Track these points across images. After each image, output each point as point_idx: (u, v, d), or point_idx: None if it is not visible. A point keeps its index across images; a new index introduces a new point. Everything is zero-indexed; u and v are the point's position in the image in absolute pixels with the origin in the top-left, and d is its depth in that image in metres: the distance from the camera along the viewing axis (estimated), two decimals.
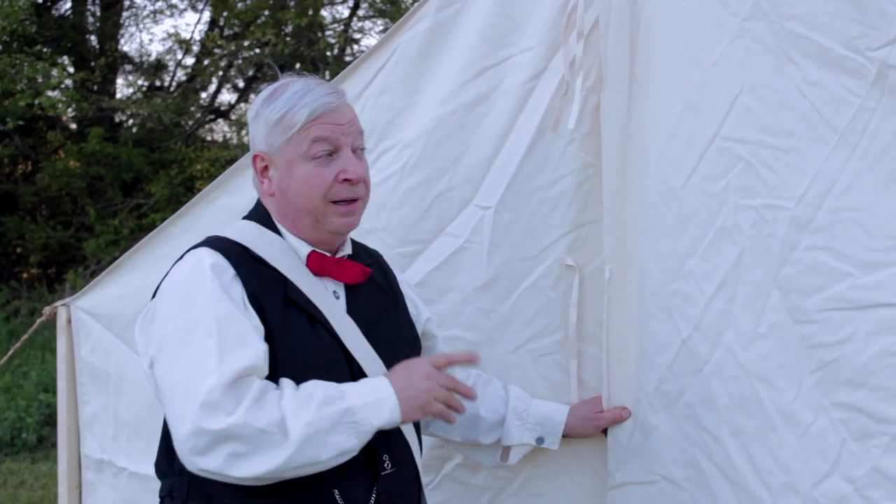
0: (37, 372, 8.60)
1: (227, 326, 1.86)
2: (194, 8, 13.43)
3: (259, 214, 2.13)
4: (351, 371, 2.01)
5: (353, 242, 2.23)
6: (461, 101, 2.55)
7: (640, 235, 2.33)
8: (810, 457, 2.02)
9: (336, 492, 1.96)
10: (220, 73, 13.30)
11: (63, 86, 11.54)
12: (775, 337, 2.07)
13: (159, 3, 13.40)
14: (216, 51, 12.83)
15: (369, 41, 13.10)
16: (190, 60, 13.45)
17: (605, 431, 2.44)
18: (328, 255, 2.11)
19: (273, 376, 1.90)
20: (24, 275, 12.19)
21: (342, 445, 1.83)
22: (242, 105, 13.43)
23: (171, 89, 13.29)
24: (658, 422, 2.32)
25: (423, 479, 2.19)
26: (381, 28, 12.88)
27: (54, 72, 11.18)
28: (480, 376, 2.47)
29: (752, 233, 2.11)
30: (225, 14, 12.88)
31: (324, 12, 12.76)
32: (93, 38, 13.28)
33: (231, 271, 1.96)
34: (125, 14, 13.50)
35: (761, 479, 2.10)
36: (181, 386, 1.82)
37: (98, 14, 13.39)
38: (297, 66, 11.83)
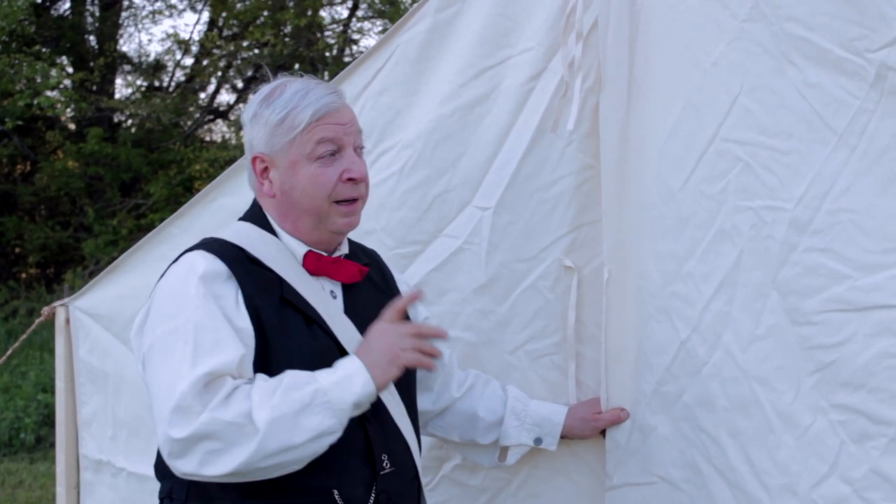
0: (35, 372, 8.59)
1: (204, 332, 1.87)
2: (193, 8, 13.44)
3: (255, 215, 2.13)
4: None
5: (351, 242, 2.22)
6: (460, 102, 2.55)
7: (638, 237, 2.33)
8: (809, 458, 2.02)
9: (335, 492, 1.96)
10: (219, 73, 13.30)
11: (62, 86, 11.55)
12: (774, 338, 2.08)
13: (158, 4, 13.42)
14: (215, 51, 12.84)
15: (368, 42, 13.11)
16: (189, 61, 13.48)
17: (603, 433, 2.44)
18: (325, 254, 2.11)
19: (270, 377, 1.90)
20: (23, 275, 12.19)
21: (318, 427, 1.83)
22: (241, 105, 13.43)
23: (170, 90, 13.30)
24: (656, 423, 2.32)
25: (422, 479, 2.19)
26: (380, 29, 12.89)
27: (53, 72, 11.19)
28: (479, 376, 2.47)
29: (751, 234, 2.11)
30: (224, 14, 12.88)
31: (323, 13, 12.77)
32: (92, 38, 13.28)
33: (225, 274, 1.97)
34: (124, 14, 13.50)
35: (760, 481, 2.10)
36: (161, 391, 1.85)
37: (97, 14, 13.40)
38: (296, 66, 11.82)
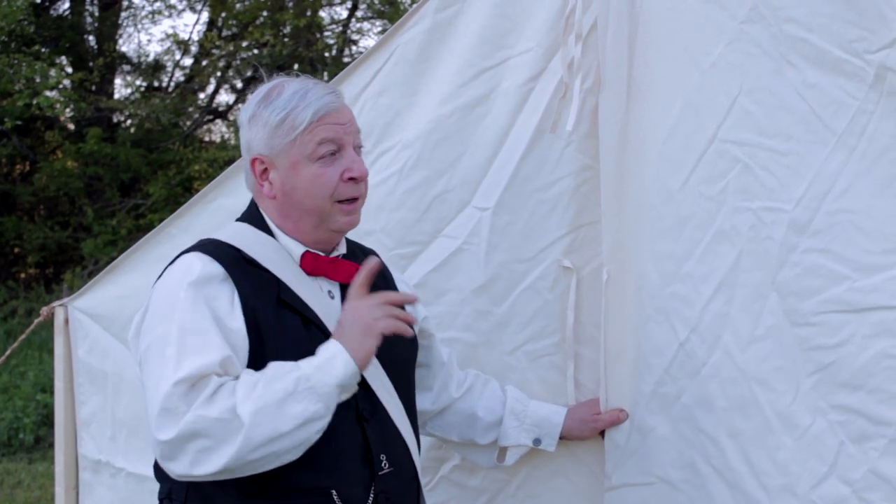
0: (34, 372, 8.59)
1: (189, 335, 1.88)
2: (193, 9, 13.43)
3: (252, 216, 2.13)
4: None
5: (349, 241, 2.22)
6: (459, 103, 2.55)
7: (637, 237, 2.33)
8: (808, 459, 2.02)
9: (334, 492, 1.96)
10: (219, 73, 13.30)
11: (61, 86, 11.55)
12: (773, 339, 2.08)
13: (158, 4, 13.41)
14: (214, 51, 12.84)
15: (368, 42, 13.11)
16: (188, 61, 13.47)
17: (602, 433, 2.44)
18: (322, 254, 2.11)
19: None
20: (22, 275, 12.19)
21: (305, 412, 1.82)
22: (241, 106, 13.38)
23: (170, 90, 13.30)
24: (655, 424, 2.32)
25: (421, 480, 2.19)
26: (379, 29, 12.88)
27: (52, 72, 11.18)
28: (479, 376, 2.47)
29: (750, 235, 2.11)
30: (223, 15, 12.87)
31: (322, 13, 12.76)
32: (91, 38, 13.28)
33: (220, 276, 1.97)
34: (123, 14, 13.50)
35: (759, 482, 2.10)
36: (150, 395, 1.86)
37: (96, 14, 13.39)
38: (296, 66, 11.82)
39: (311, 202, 2.05)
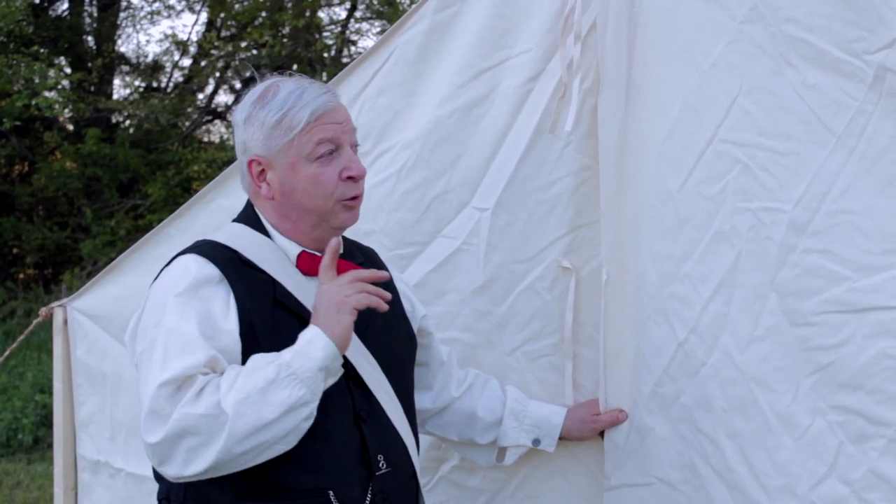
0: (33, 373, 8.58)
1: (175, 337, 1.88)
2: (191, 9, 13.43)
3: (248, 217, 2.12)
4: (346, 371, 2.00)
5: (346, 241, 2.22)
6: (459, 103, 2.55)
7: (637, 238, 2.33)
8: (808, 459, 2.02)
9: (331, 493, 1.95)
10: (217, 74, 13.29)
11: (60, 86, 11.54)
12: (772, 340, 2.08)
13: (156, 4, 13.40)
14: (213, 52, 12.83)
15: (367, 43, 13.11)
16: (187, 61, 13.46)
17: (601, 434, 2.44)
18: (319, 254, 2.10)
19: None
20: (21, 275, 12.18)
21: (289, 399, 1.81)
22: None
23: (168, 90, 13.29)
24: (654, 424, 2.32)
25: (420, 480, 2.19)
26: (378, 30, 12.88)
27: (51, 72, 11.17)
28: (479, 376, 2.47)
29: (749, 235, 2.11)
30: (222, 15, 12.87)
31: (321, 14, 12.77)
32: (90, 38, 13.27)
33: (216, 278, 1.97)
34: (122, 15, 13.49)
35: (758, 482, 2.10)
36: (141, 399, 1.87)
37: (95, 15, 13.38)
38: (294, 67, 11.82)
39: (310, 202, 2.04)
